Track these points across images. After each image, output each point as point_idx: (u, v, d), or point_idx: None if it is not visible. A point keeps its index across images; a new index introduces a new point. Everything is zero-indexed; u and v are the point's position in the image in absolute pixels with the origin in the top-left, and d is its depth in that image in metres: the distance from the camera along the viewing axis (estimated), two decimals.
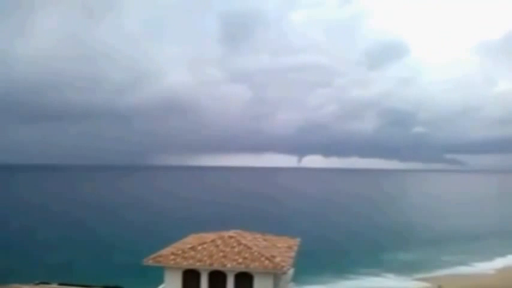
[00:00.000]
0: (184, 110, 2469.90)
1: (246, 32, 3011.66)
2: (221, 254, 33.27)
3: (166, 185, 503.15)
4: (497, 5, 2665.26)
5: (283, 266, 32.03)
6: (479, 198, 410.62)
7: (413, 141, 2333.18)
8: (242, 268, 32.09)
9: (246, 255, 32.92)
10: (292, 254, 35.55)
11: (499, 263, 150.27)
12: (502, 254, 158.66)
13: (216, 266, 32.45)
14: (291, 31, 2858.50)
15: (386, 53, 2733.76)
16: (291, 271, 36.95)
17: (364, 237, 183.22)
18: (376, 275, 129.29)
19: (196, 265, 32.73)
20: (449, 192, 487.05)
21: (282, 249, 35.83)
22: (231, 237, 35.28)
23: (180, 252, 33.83)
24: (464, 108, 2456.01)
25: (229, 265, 32.22)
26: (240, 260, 32.43)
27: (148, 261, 34.03)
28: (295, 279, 41.49)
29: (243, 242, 34.56)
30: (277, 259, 32.57)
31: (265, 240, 37.55)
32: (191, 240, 37.78)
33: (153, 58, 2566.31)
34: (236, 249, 33.62)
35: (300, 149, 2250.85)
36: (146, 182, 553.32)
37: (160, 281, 35.08)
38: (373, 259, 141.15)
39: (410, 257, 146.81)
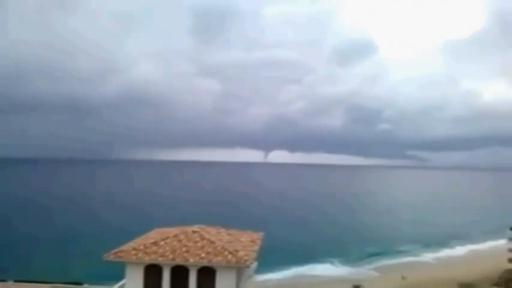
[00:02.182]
0: (154, 103, 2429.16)
1: (218, 26, 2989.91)
2: (184, 248, 33.03)
3: (133, 179, 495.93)
4: (464, 6, 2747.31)
5: (246, 260, 32.11)
6: (436, 194, 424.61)
7: (378, 138, 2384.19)
8: (205, 263, 31.98)
9: (209, 249, 32.82)
10: (256, 248, 35.67)
11: (447, 253, 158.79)
12: (451, 246, 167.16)
13: (179, 261, 32.20)
14: (263, 26, 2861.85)
15: (356, 51, 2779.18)
16: (254, 265, 37.08)
17: (326, 230, 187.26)
18: (333, 264, 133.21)
19: (159, 260, 32.38)
20: (408, 188, 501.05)
21: (246, 243, 35.90)
22: (194, 231, 35.06)
23: (142, 247, 33.39)
24: (428, 106, 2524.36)
25: (192, 260, 32.03)
26: (203, 255, 32.30)
27: (109, 256, 33.39)
28: (257, 271, 41.71)
29: (207, 236, 34.42)
30: (241, 253, 32.62)
31: (228, 234, 37.52)
32: (154, 235, 37.34)
33: (123, 49, 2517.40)
34: (199, 244, 33.45)
35: (268, 144, 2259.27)
36: (114, 176, 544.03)
37: (122, 276, 34.56)
38: (333, 251, 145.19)
39: (368, 249, 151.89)
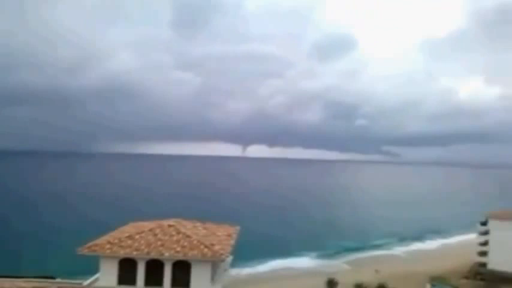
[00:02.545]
0: (133, 95, 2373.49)
1: (199, 18, 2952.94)
2: (159, 242, 32.92)
3: (112, 173, 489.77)
4: (442, 5, 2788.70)
5: (222, 254, 32.22)
6: (410, 189, 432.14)
7: (355, 133, 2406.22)
8: (180, 257, 31.94)
9: (185, 243, 32.79)
10: (232, 241, 35.79)
11: (420, 247, 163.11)
12: (424, 240, 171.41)
13: (154, 255, 32.08)
14: (244, 20, 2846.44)
15: (336, 46, 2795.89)
16: (230, 258, 37.23)
17: (302, 224, 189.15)
18: (308, 258, 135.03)
19: (133, 254, 32.17)
20: (383, 183, 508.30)
21: (222, 237, 35.99)
22: (170, 225, 34.96)
23: (116, 241, 33.12)
24: (405, 103, 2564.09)
25: (167, 254, 31.95)
26: (179, 249, 32.25)
27: (83, 250, 33.00)
28: (234, 265, 41.90)
29: (182, 230, 34.38)
30: (216, 247, 32.70)
31: (205, 228, 37.54)
32: (129, 229, 37.07)
33: (103, 39, 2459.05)
34: (175, 238, 33.38)
35: (246, 138, 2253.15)
36: (93, 169, 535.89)
37: (97, 270, 34.24)
38: (308, 245, 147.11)
39: (342, 243, 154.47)
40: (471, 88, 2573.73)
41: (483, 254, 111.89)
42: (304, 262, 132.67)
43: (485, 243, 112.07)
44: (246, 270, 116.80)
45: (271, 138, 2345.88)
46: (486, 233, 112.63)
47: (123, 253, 32.33)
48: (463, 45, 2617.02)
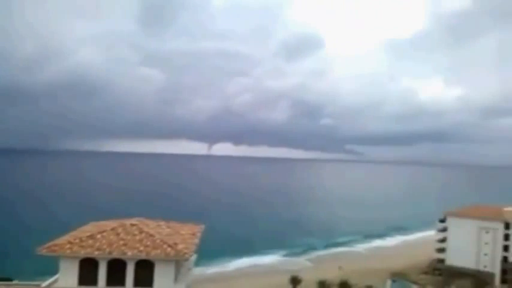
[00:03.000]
0: (95, 92, 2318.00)
1: (166, 14, 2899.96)
2: (122, 242, 32.36)
3: (73, 171, 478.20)
4: (406, 7, 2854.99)
5: (185, 253, 31.99)
6: (372, 187, 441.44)
7: (320, 132, 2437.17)
8: (143, 256, 31.52)
9: (148, 243, 32.38)
10: (196, 240, 35.59)
11: (381, 243, 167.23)
12: (385, 237, 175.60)
13: (116, 255, 31.50)
14: (212, 16, 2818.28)
15: (303, 45, 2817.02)
16: (194, 257, 37.03)
17: (266, 223, 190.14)
18: (272, 256, 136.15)
19: (95, 254, 31.51)
20: (346, 182, 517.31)
21: (186, 236, 35.72)
22: (133, 225, 34.43)
23: (77, 240, 32.33)
24: (368, 103, 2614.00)
25: (129, 253, 31.46)
26: (141, 248, 31.83)
27: (42, 250, 32.09)
28: (198, 263, 41.74)
29: (145, 229, 33.94)
30: (180, 246, 32.45)
31: (168, 227, 37.18)
32: (90, 228, 36.27)
33: (64, 34, 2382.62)
34: (138, 237, 32.91)
35: (212, 136, 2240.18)
36: (53, 167, 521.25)
37: (57, 271, 33.36)
38: (272, 243, 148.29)
39: (306, 241, 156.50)
40: (432, 89, 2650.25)
41: (441, 250, 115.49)
42: (269, 260, 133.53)
43: (443, 240, 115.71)
44: (212, 269, 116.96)
45: (237, 137, 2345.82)
46: (444, 230, 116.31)
47: (84, 253, 31.61)
48: (425, 46, 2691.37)
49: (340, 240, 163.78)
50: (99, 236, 32.86)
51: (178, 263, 33.14)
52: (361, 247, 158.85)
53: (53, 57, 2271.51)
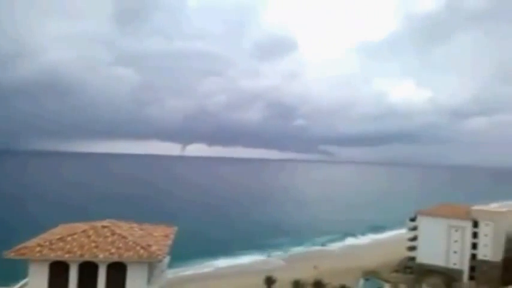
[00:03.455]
0: (66, 92, 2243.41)
1: (140, 14, 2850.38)
2: (93, 244, 31.79)
3: (43, 171, 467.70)
4: (378, 9, 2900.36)
5: (158, 255, 31.69)
6: (345, 187, 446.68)
7: (293, 133, 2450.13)
8: (115, 258, 31.05)
9: (120, 245, 31.91)
10: (169, 242, 35.29)
11: (354, 242, 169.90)
12: (358, 236, 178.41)
13: (87, 257, 30.93)
14: (186, 16, 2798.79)
15: (276, 46, 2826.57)
16: (167, 259, 36.74)
17: (240, 223, 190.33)
18: (247, 256, 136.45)
19: (65, 257, 30.85)
20: (319, 182, 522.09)
21: (159, 237, 35.38)
22: (104, 227, 33.85)
23: (47, 243, 31.59)
24: (340, 104, 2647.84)
25: (101, 256, 30.95)
26: (113, 250, 31.33)
27: (10, 254, 31.25)
28: (171, 265, 41.42)
29: (118, 231, 33.42)
30: (153, 248, 32.12)
31: (141, 229, 36.73)
32: (60, 230, 35.52)
33: (38, 33, 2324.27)
34: (109, 239, 32.38)
35: (186, 137, 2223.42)
36: (21, 168, 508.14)
37: (26, 275, 32.57)
38: (247, 243, 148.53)
39: (281, 241, 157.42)
40: (403, 90, 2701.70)
41: (412, 248, 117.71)
42: (244, 260, 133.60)
43: (414, 239, 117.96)
44: (188, 270, 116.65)
45: (211, 137, 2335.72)
46: (415, 228, 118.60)
47: (54, 256, 30.92)
48: (396, 48, 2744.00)
49: (315, 239, 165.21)
50: (69, 238, 32.19)
51: (151, 265, 32.78)
52: (335, 246, 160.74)
53: (26, 55, 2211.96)
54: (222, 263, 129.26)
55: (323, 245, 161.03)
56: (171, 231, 38.28)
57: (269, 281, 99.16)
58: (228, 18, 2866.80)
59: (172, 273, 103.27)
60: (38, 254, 30.86)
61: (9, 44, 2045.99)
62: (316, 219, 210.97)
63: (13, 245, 31.98)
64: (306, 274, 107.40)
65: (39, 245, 31.56)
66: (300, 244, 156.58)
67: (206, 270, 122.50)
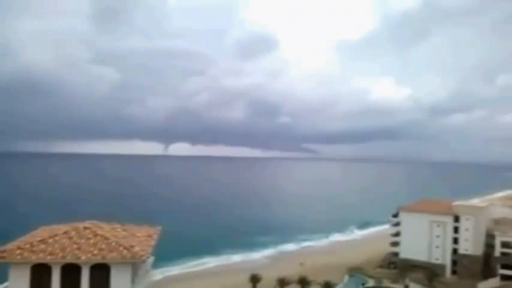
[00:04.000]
0: (44, 92, 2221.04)
1: (119, 12, 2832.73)
2: (75, 246, 31.39)
3: (19, 173, 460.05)
4: (355, 8, 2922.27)
5: (142, 255, 31.45)
6: (329, 183, 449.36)
7: (277, 131, 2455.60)
8: (98, 259, 30.72)
9: (103, 246, 31.58)
10: (152, 242, 35.04)
11: (339, 239, 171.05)
12: (342, 232, 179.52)
13: (70, 259, 30.54)
14: (167, 16, 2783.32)
15: (258, 45, 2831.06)
16: (151, 259, 36.48)
17: (224, 222, 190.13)
18: (232, 254, 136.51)
19: (47, 259, 30.41)
20: (303, 179, 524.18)
21: (142, 238, 35.10)
22: (86, 228, 33.43)
23: (27, 246, 31.10)
24: (322, 102, 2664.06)
25: (83, 257, 30.58)
26: (96, 252, 31.00)
27: None
28: (156, 265, 41.14)
29: (100, 232, 33.04)
30: (136, 248, 31.86)
31: (124, 230, 36.38)
32: (41, 232, 34.96)
33: (12, 31, 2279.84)
34: (92, 241, 32.01)
35: (168, 136, 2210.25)
36: (1, 170, 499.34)
37: (6, 278, 31.94)
38: (231, 242, 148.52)
39: (265, 239, 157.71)
40: (383, 88, 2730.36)
41: (395, 244, 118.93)
42: (227, 259, 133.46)
43: (397, 234, 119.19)
44: (174, 270, 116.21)
45: (194, 136, 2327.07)
46: (397, 224, 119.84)
47: (35, 258, 30.45)
48: (375, 47, 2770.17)
49: (300, 237, 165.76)
50: (50, 240, 31.74)
51: (135, 265, 32.51)
52: (320, 243, 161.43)
53: (2, 54, 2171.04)
54: (208, 261, 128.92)
55: (309, 241, 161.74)
56: (155, 231, 38.01)
57: (254, 279, 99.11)
58: (209, 17, 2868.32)
59: (159, 273, 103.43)
60: (18, 257, 30.40)
61: None
62: (301, 216, 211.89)
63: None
64: (291, 271, 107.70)
65: (19, 247, 31.06)
66: (285, 242, 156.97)
67: (192, 269, 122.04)
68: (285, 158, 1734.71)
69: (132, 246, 31.97)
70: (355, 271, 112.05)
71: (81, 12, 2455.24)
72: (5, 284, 32.16)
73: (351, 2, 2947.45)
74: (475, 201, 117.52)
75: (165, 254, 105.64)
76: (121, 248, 31.46)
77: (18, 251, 30.69)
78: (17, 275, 30.79)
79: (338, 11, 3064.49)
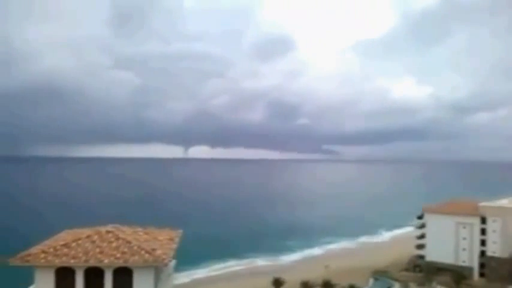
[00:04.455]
0: (65, 97, 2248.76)
1: (137, 17, 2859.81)
2: (98, 249, 31.45)
3: (43, 177, 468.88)
4: (377, 6, 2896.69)
5: (164, 259, 31.33)
6: (351, 186, 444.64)
7: (297, 132, 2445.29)
8: (121, 263, 30.72)
9: (125, 249, 31.55)
10: (174, 245, 34.90)
11: (365, 242, 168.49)
12: (368, 235, 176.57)
13: (93, 263, 30.62)
14: (184, 19, 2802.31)
15: (276, 46, 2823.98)
16: (173, 263, 36.33)
17: (246, 225, 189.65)
18: (255, 258, 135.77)
19: (71, 262, 30.56)
20: (326, 181, 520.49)
21: (164, 241, 35.00)
22: (108, 232, 33.48)
23: (51, 249, 31.30)
24: (343, 102, 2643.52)
25: (106, 261, 30.60)
26: (118, 255, 30.99)
27: (16, 260, 30.98)
28: (182, 268, 41.11)
29: (122, 236, 33.05)
30: (158, 252, 31.74)
31: (146, 233, 36.35)
32: (64, 236, 35.21)
33: (30, 38, 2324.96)
34: (114, 244, 32.01)
35: (188, 139, 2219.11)
36: (21, 174, 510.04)
37: (32, 282, 32.26)
38: (254, 245, 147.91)
39: (288, 242, 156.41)
40: (404, 87, 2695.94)
41: (421, 246, 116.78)
42: (250, 262, 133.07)
43: (422, 236, 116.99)
44: (198, 273, 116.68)
45: (213, 139, 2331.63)
46: (422, 226, 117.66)
47: (59, 262, 30.63)
48: (394, 45, 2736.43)
49: (326, 239, 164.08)
50: (74, 244, 31.88)
51: (157, 269, 32.42)
52: (345, 246, 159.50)
53: (23, 61, 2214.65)
54: (232, 265, 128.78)
55: (334, 244, 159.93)
56: (176, 234, 37.87)
57: (277, 282, 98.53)
58: (225, 19, 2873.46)
59: (185, 277, 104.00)
60: (42, 261, 30.67)
61: (3, 50, 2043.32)
62: (324, 219, 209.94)
63: (22, 251, 31.78)
64: (316, 274, 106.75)
65: (43, 251, 31.30)
66: (309, 244, 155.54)
67: (217, 272, 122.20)
68: (305, 160, 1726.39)
69: (154, 250, 31.87)
70: (380, 274, 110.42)
71: (100, 18, 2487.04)
72: (31, 287, 32.50)
73: (370, 1, 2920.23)
74: (503, 202, 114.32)
75: (190, 257, 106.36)
76: (143, 252, 31.40)
77: (42, 255, 30.93)
78: (42, 278, 31.08)
79: (356, 10, 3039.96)
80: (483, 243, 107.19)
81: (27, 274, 32.40)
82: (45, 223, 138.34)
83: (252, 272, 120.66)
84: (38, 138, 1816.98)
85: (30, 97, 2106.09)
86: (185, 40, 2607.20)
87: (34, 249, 32.15)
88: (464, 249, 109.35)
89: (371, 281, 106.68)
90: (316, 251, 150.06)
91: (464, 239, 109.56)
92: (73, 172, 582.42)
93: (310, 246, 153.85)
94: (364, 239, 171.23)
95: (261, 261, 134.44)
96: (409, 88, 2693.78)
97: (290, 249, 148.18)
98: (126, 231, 35.10)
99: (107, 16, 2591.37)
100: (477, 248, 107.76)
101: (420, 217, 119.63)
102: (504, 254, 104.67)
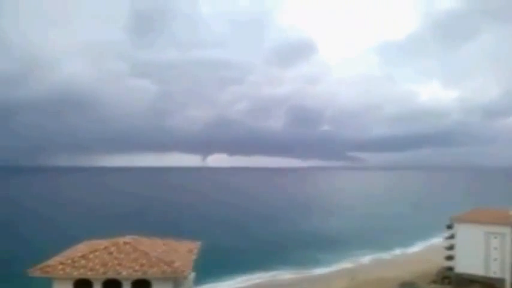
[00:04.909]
0: (83, 105, 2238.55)
1: (154, 23, 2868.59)
2: (116, 261, 31.01)
3: (61, 187, 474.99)
4: (400, 8, 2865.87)
5: (183, 271, 30.69)
6: (377, 194, 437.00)
7: (319, 139, 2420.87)
8: (139, 275, 30.18)
9: (144, 261, 31.03)
10: (193, 257, 34.23)
11: (392, 253, 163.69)
12: (396, 246, 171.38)
13: (111, 275, 30.17)
14: (202, 25, 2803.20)
15: (295, 51, 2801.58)
16: (192, 275, 35.60)
17: (269, 236, 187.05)
18: (280, 270, 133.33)
19: (88, 274, 30.19)
20: (350, 189, 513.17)
21: (182, 253, 34.37)
22: (126, 243, 33.04)
23: (69, 261, 31.03)
24: (367, 107, 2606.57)
25: (124, 273, 30.10)
26: (137, 267, 30.47)
27: (35, 272, 30.84)
28: (205, 281, 40.34)
29: (140, 248, 32.55)
30: (177, 264, 31.10)
31: (164, 245, 35.81)
32: (82, 247, 34.93)
33: (48, 46, 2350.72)
34: (132, 256, 31.52)
35: (207, 147, 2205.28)
36: (40, 184, 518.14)
37: None
38: (278, 256, 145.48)
39: (312, 253, 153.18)
40: (430, 90, 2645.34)
41: (450, 258, 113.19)
42: (275, 275, 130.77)
43: (451, 247, 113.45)
44: (219, 286, 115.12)
45: (232, 147, 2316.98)
46: (452, 236, 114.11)
47: (77, 274, 30.33)
48: (419, 48, 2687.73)
49: (351, 251, 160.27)
50: (91, 255, 31.54)
51: (176, 281, 31.75)
52: (372, 257, 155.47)
53: (40, 69, 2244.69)
54: (257, 277, 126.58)
55: (360, 256, 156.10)
56: (196, 246, 37.25)
57: None
58: (244, 24, 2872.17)
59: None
60: (61, 272, 30.46)
61: (20, 59, 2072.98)
62: (353, 230, 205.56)
63: (41, 262, 31.65)
64: (342, 285, 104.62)
65: (61, 263, 31.07)
66: (339, 256, 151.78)
67: (241, 285, 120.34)
68: (328, 167, 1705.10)
69: (172, 262, 31.26)
70: (407, 286, 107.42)
71: (117, 25, 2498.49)
72: None
73: (392, 2, 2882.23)
74: None
75: (212, 269, 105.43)
76: (162, 264, 30.85)
77: (60, 267, 30.71)
78: None
79: (378, 11, 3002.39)
80: None
81: (44, 284, 32.14)
82: (65, 233, 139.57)
83: (277, 285, 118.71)
84: (57, 148, 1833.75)
85: (50, 107, 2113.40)
86: (204, 46, 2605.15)
87: (52, 261, 31.97)
88: (495, 260, 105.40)
89: None
90: (345, 263, 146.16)
91: (495, 249, 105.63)
92: (92, 182, 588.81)
93: (339, 258, 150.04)
94: (397, 251, 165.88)
95: (286, 274, 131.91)
96: (436, 91, 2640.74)
97: (318, 262, 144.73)
98: (144, 243, 34.63)
99: (124, 23, 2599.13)
100: (509, 259, 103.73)
101: (449, 226, 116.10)
102: None
